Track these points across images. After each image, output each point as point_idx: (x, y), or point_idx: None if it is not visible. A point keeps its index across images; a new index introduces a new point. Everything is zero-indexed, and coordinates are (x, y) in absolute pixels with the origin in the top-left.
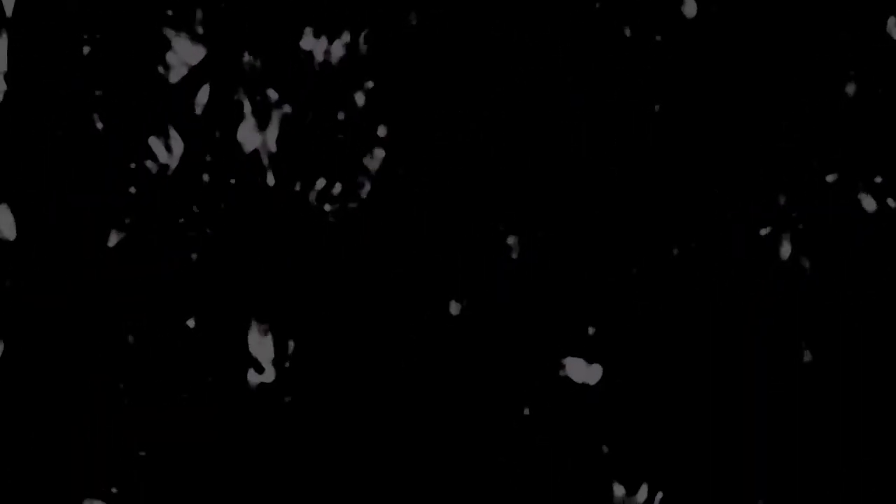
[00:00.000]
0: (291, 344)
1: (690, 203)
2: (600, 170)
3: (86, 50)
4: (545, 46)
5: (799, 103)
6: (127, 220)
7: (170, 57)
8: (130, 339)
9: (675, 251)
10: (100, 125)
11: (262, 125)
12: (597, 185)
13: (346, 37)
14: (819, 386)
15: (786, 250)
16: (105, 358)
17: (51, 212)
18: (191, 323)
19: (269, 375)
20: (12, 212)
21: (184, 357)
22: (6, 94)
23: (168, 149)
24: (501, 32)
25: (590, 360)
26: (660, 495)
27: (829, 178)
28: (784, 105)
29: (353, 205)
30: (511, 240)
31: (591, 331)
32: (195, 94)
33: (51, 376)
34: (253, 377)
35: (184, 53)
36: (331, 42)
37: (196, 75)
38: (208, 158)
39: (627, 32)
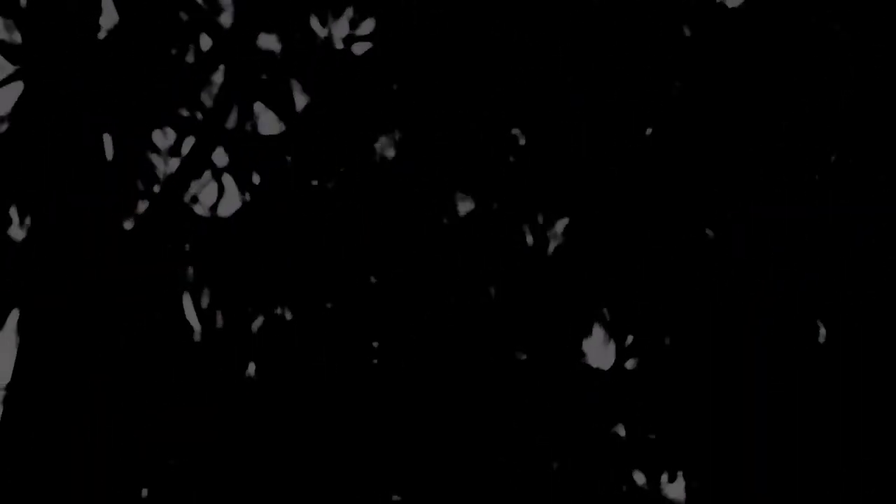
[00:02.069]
0: (291, 344)
1: (690, 203)
2: (600, 170)
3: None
4: (545, 46)
5: (799, 103)
6: (127, 220)
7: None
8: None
9: (675, 251)
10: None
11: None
12: (597, 186)
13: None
14: (819, 386)
15: (786, 250)
16: (105, 358)
17: (51, 212)
18: (191, 323)
19: (268, 375)
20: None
21: (183, 357)
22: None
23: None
24: (501, 32)
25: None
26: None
27: (829, 178)
28: (784, 105)
29: (353, 204)
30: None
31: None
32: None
33: (50, 376)
34: (252, 377)
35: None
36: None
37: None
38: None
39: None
